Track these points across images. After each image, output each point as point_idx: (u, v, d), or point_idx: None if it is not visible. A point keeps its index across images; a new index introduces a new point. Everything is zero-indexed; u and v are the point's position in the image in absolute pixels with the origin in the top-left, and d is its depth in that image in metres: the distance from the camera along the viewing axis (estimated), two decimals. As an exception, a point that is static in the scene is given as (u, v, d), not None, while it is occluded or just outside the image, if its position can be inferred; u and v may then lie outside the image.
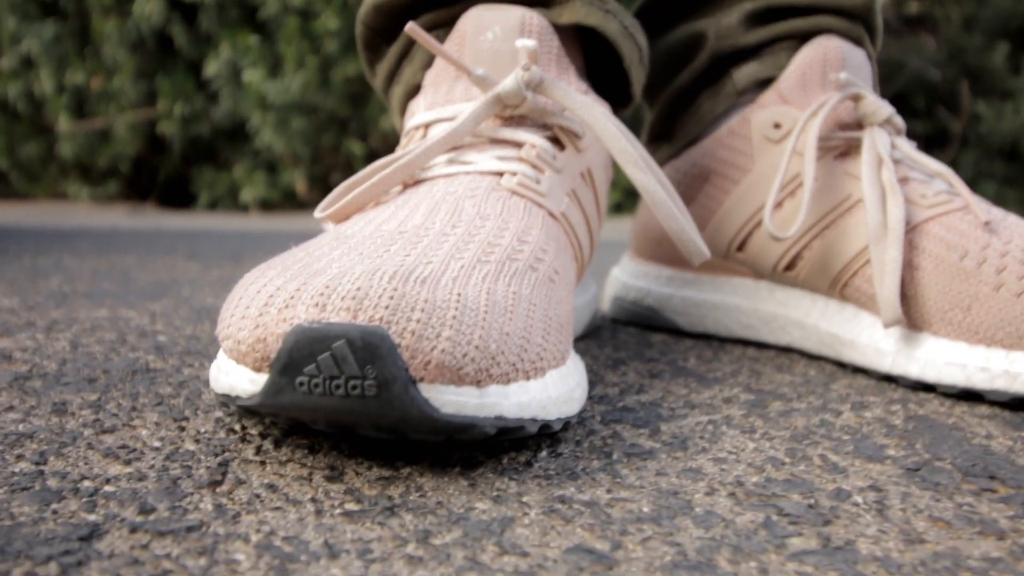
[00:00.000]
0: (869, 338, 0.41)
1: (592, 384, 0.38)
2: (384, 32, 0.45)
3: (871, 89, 0.46)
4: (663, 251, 0.53)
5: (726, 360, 0.45)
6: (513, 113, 0.38)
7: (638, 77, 0.45)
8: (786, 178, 0.45)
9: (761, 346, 0.49)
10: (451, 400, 0.23)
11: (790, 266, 0.45)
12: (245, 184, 3.39)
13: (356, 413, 0.23)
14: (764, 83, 0.48)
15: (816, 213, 0.44)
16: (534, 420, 0.26)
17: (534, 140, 0.38)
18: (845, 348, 0.43)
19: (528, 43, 0.37)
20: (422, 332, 0.23)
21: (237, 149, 3.42)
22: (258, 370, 0.24)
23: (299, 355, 0.23)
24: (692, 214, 0.50)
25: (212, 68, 3.22)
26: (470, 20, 0.41)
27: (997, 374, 0.35)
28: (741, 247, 0.47)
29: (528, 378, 0.26)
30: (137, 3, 3.52)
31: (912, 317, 0.39)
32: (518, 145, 0.38)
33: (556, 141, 0.39)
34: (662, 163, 0.54)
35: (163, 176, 3.81)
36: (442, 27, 0.44)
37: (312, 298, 0.24)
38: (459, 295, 0.25)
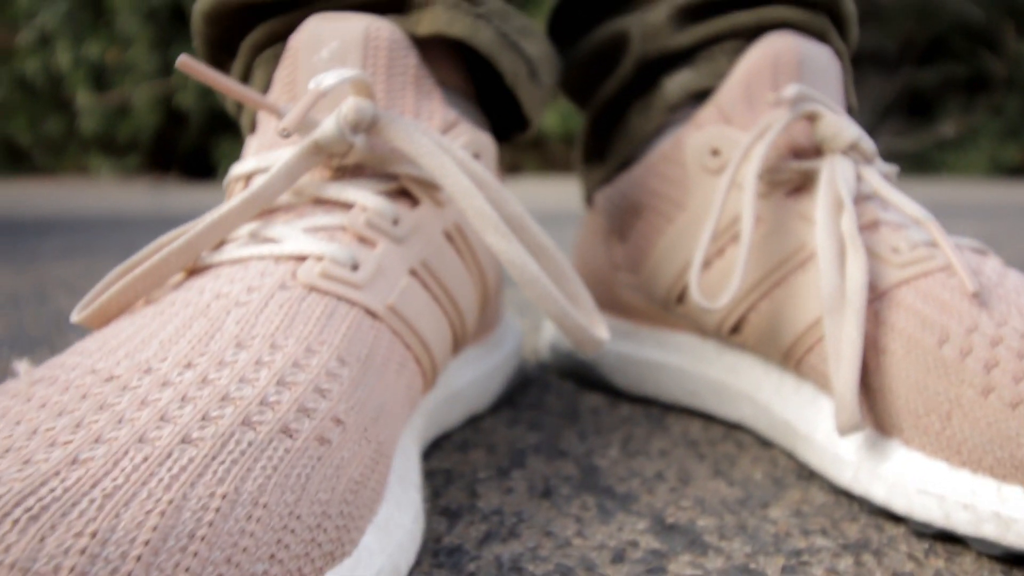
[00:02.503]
0: (827, 437, 0.31)
1: (456, 515, 0.29)
2: (225, 44, 0.36)
3: (839, 99, 0.36)
4: (598, 295, 0.44)
5: (655, 451, 0.36)
6: (342, 163, 0.29)
7: (529, 96, 0.36)
8: (723, 221, 0.35)
9: (710, 418, 0.40)
10: None
11: (735, 329, 0.36)
12: (261, 156, 3.33)
13: None
14: (704, 95, 0.38)
15: (762, 267, 0.34)
16: None
17: (366, 200, 0.29)
18: (800, 443, 0.33)
19: (346, 74, 0.27)
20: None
21: (254, 119, 3.36)
22: None
23: None
24: (625, 255, 0.41)
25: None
26: (303, 35, 0.32)
27: (985, 516, 0.26)
28: (680, 299, 0.38)
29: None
30: (148, -27, 3.44)
31: (879, 416, 0.30)
32: (348, 207, 0.29)
33: (406, 195, 0.30)
34: (595, 187, 0.44)
35: (183, 148, 3.78)
36: (281, 40, 0.34)
37: None
38: (94, 533, 0.16)
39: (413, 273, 0.29)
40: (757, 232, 0.34)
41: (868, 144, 0.33)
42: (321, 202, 0.29)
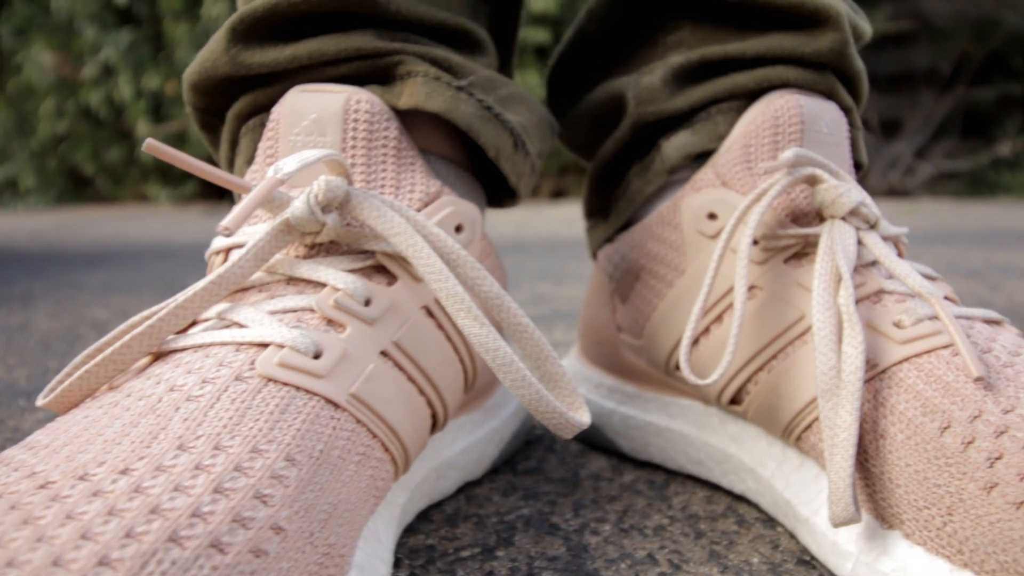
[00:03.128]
0: (827, 523, 0.30)
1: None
2: (214, 111, 0.36)
3: (845, 159, 0.35)
4: (603, 355, 0.43)
5: (652, 526, 0.34)
6: (315, 241, 0.29)
7: (514, 168, 0.35)
8: (720, 288, 0.33)
9: (714, 488, 0.38)
10: None
11: (735, 400, 0.34)
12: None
13: None
14: (704, 157, 0.36)
15: (761, 337, 0.32)
16: None
17: (337, 280, 0.28)
18: (800, 526, 0.31)
19: (309, 157, 0.27)
20: None
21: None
22: None
23: None
24: (626, 317, 0.39)
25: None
26: (284, 107, 0.32)
27: (987, 626, 0.24)
28: (680, 366, 0.36)
29: None
30: (205, 6, 3.54)
31: (879, 505, 0.28)
32: (319, 286, 0.28)
33: (383, 271, 0.30)
34: (599, 244, 0.43)
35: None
36: (264, 110, 0.34)
37: None
38: None
39: (384, 355, 0.28)
40: (755, 300, 0.33)
41: (870, 209, 0.31)
42: (294, 281, 0.29)
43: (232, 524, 0.20)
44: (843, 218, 0.31)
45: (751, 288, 0.33)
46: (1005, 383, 0.27)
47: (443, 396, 0.31)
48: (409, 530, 0.34)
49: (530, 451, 0.43)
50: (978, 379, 0.26)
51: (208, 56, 0.33)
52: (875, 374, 0.29)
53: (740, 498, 0.37)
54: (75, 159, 4.11)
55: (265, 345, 0.26)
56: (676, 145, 0.36)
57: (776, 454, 0.34)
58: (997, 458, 0.25)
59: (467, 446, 0.37)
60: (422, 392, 0.30)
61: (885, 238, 0.33)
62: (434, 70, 0.32)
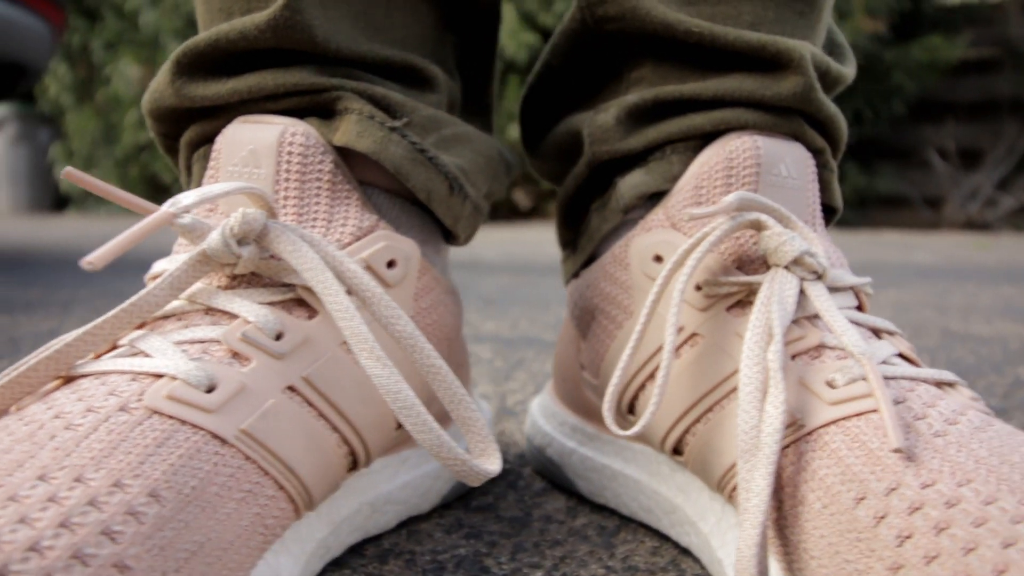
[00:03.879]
0: (747, 589, 0.28)
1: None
2: (174, 136, 0.37)
3: (807, 204, 0.33)
4: (569, 392, 0.42)
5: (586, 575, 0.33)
6: (235, 272, 0.29)
7: (448, 212, 0.34)
8: (662, 334, 0.32)
9: (664, 539, 0.37)
10: None
11: (677, 450, 0.33)
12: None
13: None
14: (660, 196, 0.35)
15: (699, 387, 0.31)
16: None
17: (250, 312, 0.28)
18: (727, 589, 0.30)
19: (215, 190, 0.27)
20: None
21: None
22: None
23: None
24: (586, 355, 0.38)
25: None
26: (224, 138, 0.32)
27: None
28: (631, 409, 0.35)
29: None
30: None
31: (796, 574, 0.26)
32: (234, 317, 0.28)
33: (303, 304, 0.29)
34: (568, 277, 0.42)
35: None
36: (212, 139, 0.34)
37: None
38: None
39: (292, 390, 0.28)
40: (695, 349, 0.31)
41: (817, 259, 0.30)
42: (211, 311, 0.29)
43: (70, 560, 0.20)
44: (787, 267, 0.30)
45: (693, 335, 0.32)
46: (931, 454, 0.25)
47: (362, 433, 0.30)
48: (336, 563, 0.33)
49: (490, 487, 0.42)
50: (896, 450, 0.25)
51: (156, 87, 0.33)
52: (801, 436, 0.27)
53: (686, 551, 0.35)
54: (155, 168, 4.26)
55: (160, 376, 0.26)
56: (630, 184, 0.35)
57: (716, 509, 0.32)
58: (907, 537, 0.23)
59: (409, 481, 0.37)
60: (335, 429, 0.29)
61: (835, 289, 0.31)
62: (369, 108, 0.32)
